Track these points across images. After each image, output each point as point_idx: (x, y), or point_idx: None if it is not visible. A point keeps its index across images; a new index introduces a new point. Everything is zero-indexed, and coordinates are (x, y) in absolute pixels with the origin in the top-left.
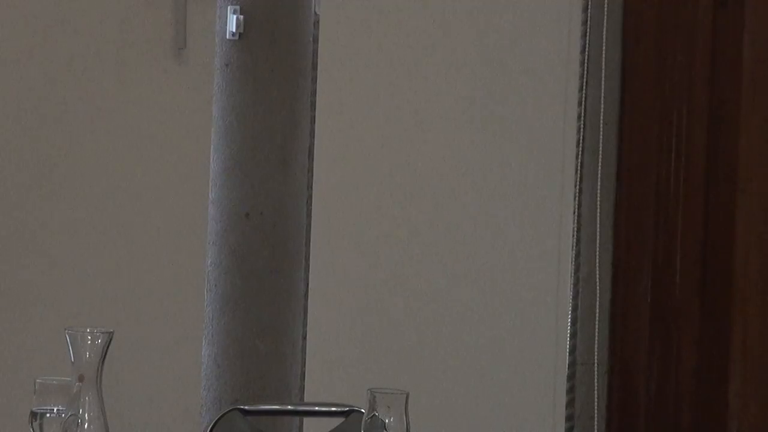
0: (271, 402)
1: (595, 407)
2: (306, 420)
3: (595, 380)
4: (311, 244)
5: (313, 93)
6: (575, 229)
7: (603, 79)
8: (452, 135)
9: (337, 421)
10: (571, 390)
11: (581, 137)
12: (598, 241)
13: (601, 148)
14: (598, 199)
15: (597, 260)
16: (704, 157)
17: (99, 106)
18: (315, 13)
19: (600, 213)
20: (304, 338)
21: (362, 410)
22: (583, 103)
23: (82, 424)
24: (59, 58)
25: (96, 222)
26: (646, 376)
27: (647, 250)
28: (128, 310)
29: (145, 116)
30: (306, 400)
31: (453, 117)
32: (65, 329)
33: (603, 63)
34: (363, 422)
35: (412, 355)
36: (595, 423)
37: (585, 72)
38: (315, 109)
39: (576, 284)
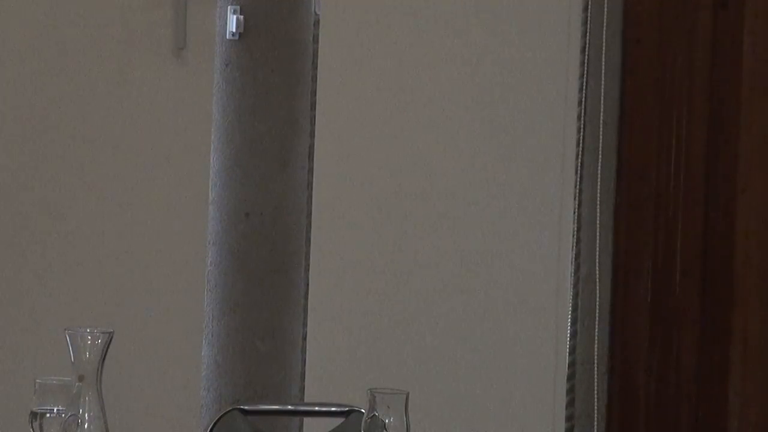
0: (271, 402)
1: (595, 407)
2: (306, 420)
3: (595, 380)
4: (311, 244)
5: (313, 93)
6: (575, 229)
7: (603, 79)
8: (452, 135)
9: (337, 421)
10: (571, 390)
11: (581, 137)
12: (598, 241)
13: (601, 148)
14: (598, 199)
15: (597, 260)
16: (704, 157)
17: (99, 106)
18: (315, 13)
19: (600, 213)
20: (304, 338)
21: (362, 410)
22: (583, 103)
23: (82, 424)
24: (59, 57)
25: (96, 222)
26: (646, 376)
27: (647, 250)
28: (128, 310)
29: (145, 116)
30: (306, 400)
31: (453, 117)
32: (65, 329)
33: (603, 63)
34: (363, 422)
35: (412, 355)
36: (595, 423)
37: (585, 72)
38: (315, 109)
39: (576, 284)
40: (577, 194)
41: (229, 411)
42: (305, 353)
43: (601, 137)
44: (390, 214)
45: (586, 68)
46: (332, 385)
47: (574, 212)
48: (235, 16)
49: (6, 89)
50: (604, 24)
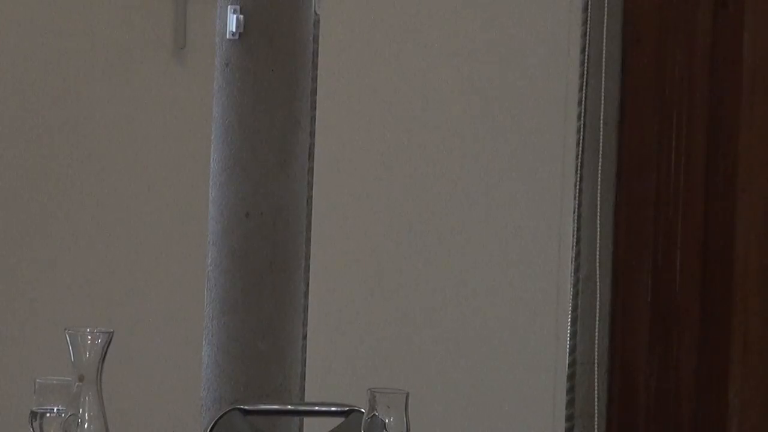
0: (271, 402)
1: (595, 407)
2: (306, 420)
3: (595, 380)
4: (311, 244)
5: (313, 93)
6: (575, 229)
7: (603, 79)
8: (452, 135)
9: (337, 421)
10: (571, 390)
11: (581, 137)
12: (598, 241)
13: (601, 148)
14: (598, 199)
15: (597, 260)
16: (704, 157)
17: (99, 106)
18: (315, 13)
19: (600, 213)
20: (304, 338)
21: (362, 410)
22: (583, 103)
23: (82, 424)
24: (59, 58)
25: (96, 222)
26: (646, 376)
27: (647, 250)
28: (128, 310)
29: (145, 116)
30: (306, 400)
31: (453, 117)
32: (65, 329)
33: (603, 63)
34: (363, 422)
35: (412, 354)
36: (595, 423)
37: (585, 72)
38: (315, 109)
39: (576, 284)
40: (577, 194)
41: (229, 411)
42: (305, 353)
43: (601, 137)
44: (390, 214)
45: (586, 68)
46: (332, 385)
47: (574, 212)
48: (235, 16)
49: (6, 89)
50: (604, 24)
